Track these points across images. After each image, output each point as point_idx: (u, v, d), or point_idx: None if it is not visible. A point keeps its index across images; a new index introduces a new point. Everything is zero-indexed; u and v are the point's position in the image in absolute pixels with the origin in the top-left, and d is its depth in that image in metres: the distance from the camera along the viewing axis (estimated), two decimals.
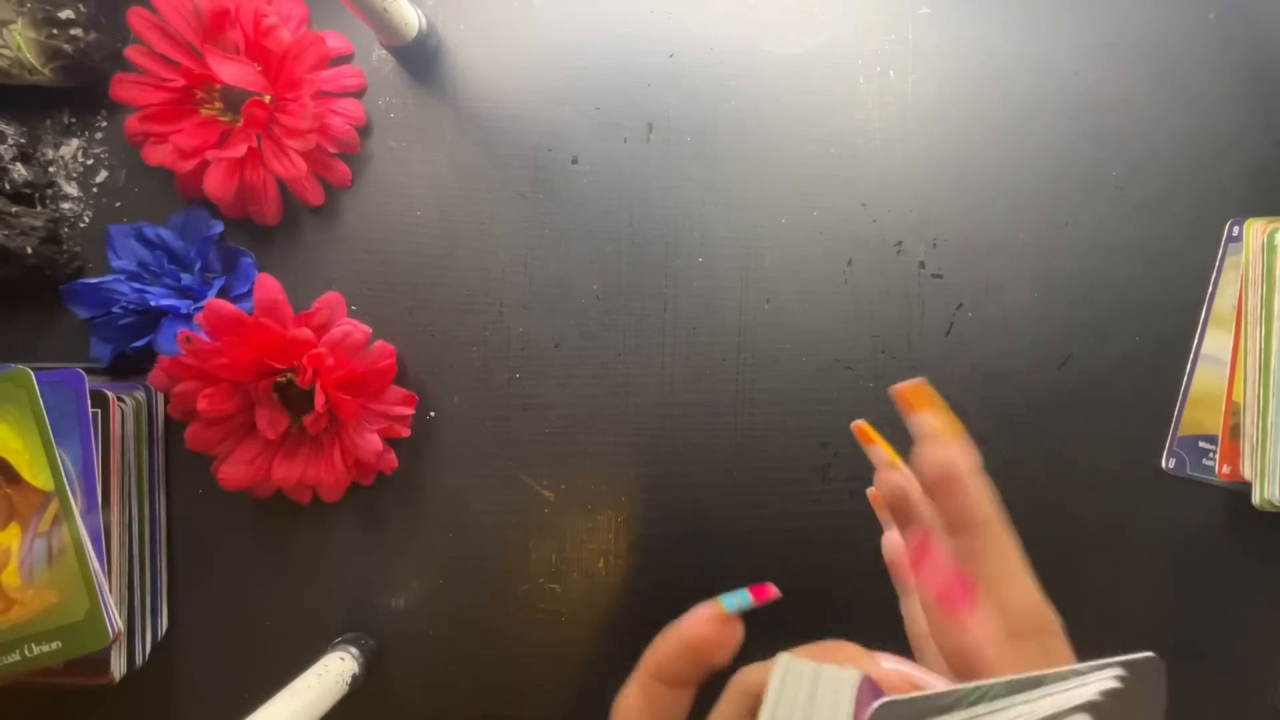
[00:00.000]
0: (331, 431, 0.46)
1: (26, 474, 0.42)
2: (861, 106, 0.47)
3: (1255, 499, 0.42)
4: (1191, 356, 0.46)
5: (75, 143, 0.49)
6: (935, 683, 0.29)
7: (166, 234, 0.47)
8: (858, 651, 0.28)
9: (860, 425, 0.38)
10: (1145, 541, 0.46)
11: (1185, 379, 0.46)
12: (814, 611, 0.46)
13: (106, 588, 0.42)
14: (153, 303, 0.45)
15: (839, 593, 0.48)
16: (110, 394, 0.44)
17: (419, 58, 0.48)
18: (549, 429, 0.48)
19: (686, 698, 0.29)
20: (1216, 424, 0.44)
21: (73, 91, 0.48)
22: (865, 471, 0.47)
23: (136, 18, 0.44)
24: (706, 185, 0.48)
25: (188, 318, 0.46)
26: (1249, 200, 0.46)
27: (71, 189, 0.49)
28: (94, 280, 0.47)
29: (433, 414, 0.49)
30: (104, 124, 0.49)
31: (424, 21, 0.46)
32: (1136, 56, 0.46)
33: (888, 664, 0.29)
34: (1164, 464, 0.46)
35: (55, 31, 0.46)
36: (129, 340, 0.47)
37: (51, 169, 0.49)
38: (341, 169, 0.48)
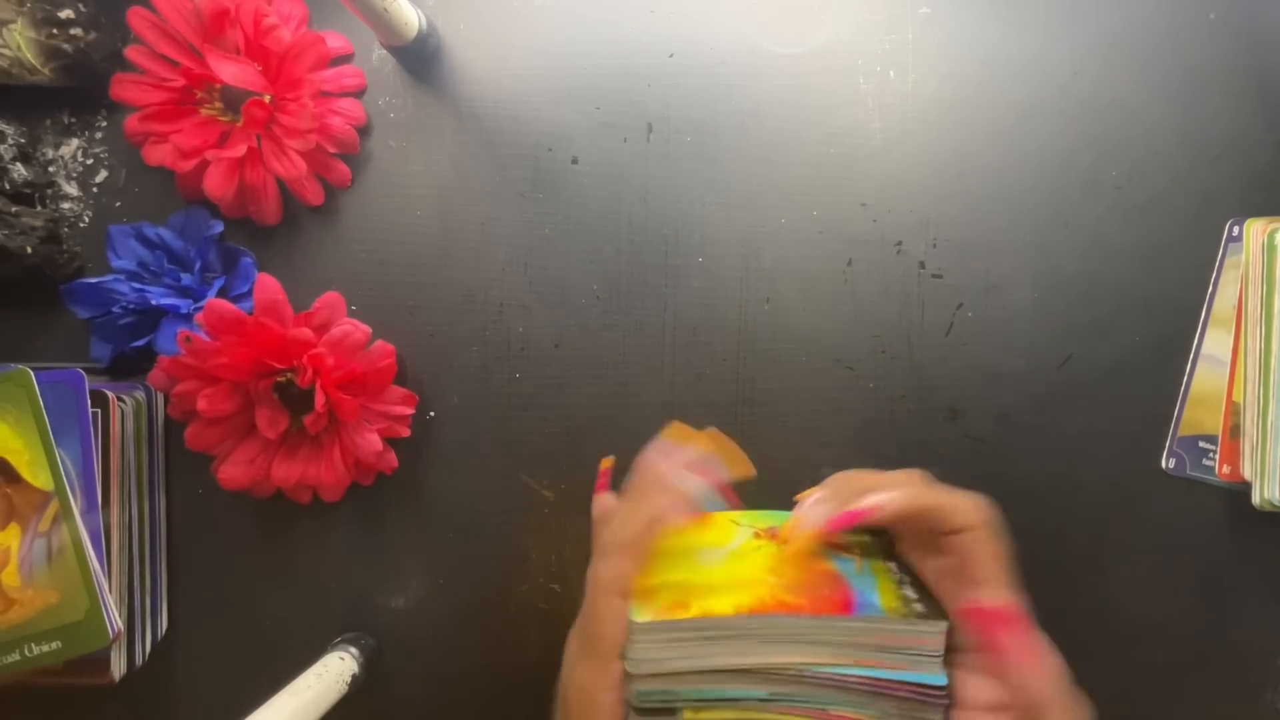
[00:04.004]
0: (331, 431, 0.46)
1: (26, 474, 0.42)
2: (861, 106, 0.47)
3: (1255, 499, 0.42)
4: (1191, 356, 0.46)
5: (75, 142, 0.49)
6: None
7: (166, 234, 0.47)
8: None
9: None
10: (1145, 541, 0.46)
11: (1185, 379, 0.46)
12: None
13: (106, 588, 0.42)
14: (153, 302, 0.45)
15: None
16: (110, 394, 0.44)
17: (419, 58, 0.48)
18: (549, 429, 0.48)
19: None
20: (1216, 424, 0.44)
21: (73, 91, 0.48)
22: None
23: (136, 17, 0.44)
24: (706, 185, 0.48)
25: (188, 317, 0.46)
26: (1249, 200, 0.46)
27: (71, 189, 0.49)
28: (94, 280, 0.47)
29: (433, 414, 0.49)
30: (104, 124, 0.49)
31: (424, 21, 0.46)
32: (1136, 57, 0.46)
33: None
34: (1164, 464, 0.46)
35: (55, 31, 0.46)
36: (129, 340, 0.47)
37: (51, 169, 0.49)
38: (341, 169, 0.48)
